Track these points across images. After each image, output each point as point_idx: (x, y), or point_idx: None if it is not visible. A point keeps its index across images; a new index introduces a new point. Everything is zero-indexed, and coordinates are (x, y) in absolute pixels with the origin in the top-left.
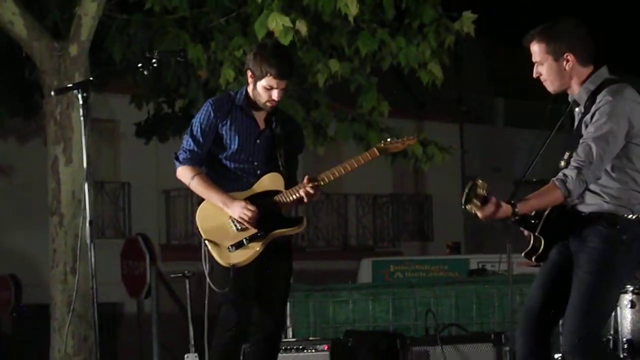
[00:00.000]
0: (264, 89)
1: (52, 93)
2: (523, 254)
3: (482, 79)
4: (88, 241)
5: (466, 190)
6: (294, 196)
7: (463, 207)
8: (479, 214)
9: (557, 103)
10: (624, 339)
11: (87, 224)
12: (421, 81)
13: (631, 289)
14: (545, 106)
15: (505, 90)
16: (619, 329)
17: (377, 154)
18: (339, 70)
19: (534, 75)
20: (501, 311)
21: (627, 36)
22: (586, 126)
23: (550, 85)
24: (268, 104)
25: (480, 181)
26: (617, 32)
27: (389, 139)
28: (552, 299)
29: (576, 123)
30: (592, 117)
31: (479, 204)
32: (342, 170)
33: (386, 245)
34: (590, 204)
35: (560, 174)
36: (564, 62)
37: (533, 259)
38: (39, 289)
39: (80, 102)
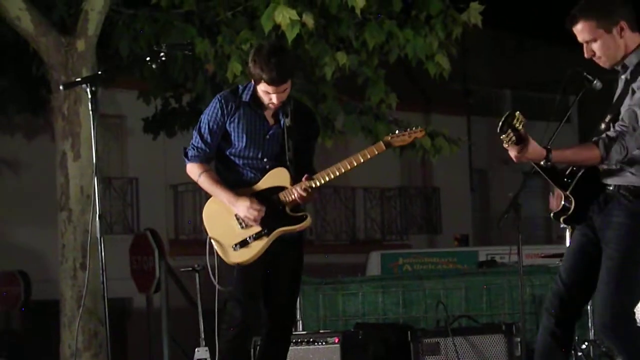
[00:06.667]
0: (263, 92)
1: (61, 87)
2: (552, 215)
3: (489, 71)
4: (98, 235)
5: (502, 118)
6: (291, 197)
7: (499, 133)
8: (511, 152)
9: (565, 94)
10: None
11: (97, 218)
12: (428, 74)
13: None
14: (554, 97)
15: (513, 81)
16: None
17: (384, 148)
18: (347, 63)
19: (586, 56)
20: (511, 302)
21: None
22: (633, 92)
23: (607, 61)
24: (270, 105)
25: (519, 112)
26: None
27: (396, 132)
28: (579, 282)
29: (621, 88)
30: None
31: (513, 138)
32: (348, 166)
33: (394, 239)
34: (616, 176)
35: (603, 135)
36: (619, 31)
37: (562, 219)
38: (48, 285)
39: (89, 96)
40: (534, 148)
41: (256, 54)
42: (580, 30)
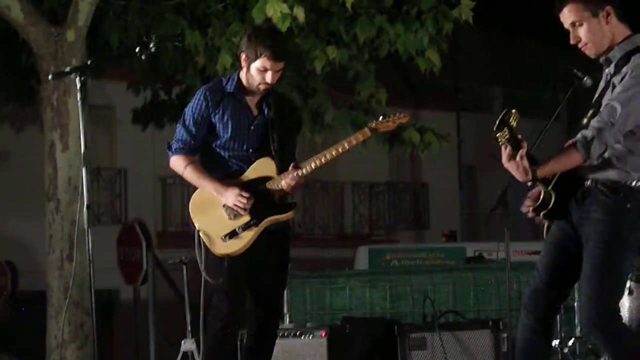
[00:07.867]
0: (257, 71)
1: (50, 77)
2: (531, 210)
3: (479, 68)
4: (85, 226)
5: (500, 116)
6: (279, 186)
7: (494, 132)
8: (503, 157)
9: (554, 91)
10: None
11: (85, 209)
12: (418, 69)
13: (629, 276)
14: (544, 95)
15: (502, 78)
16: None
17: (369, 134)
18: (337, 57)
19: (572, 42)
20: (498, 298)
21: None
22: (614, 86)
23: (593, 48)
24: (261, 86)
25: (514, 111)
26: None
27: (380, 118)
28: (557, 278)
29: (603, 83)
30: (622, 78)
31: (507, 135)
32: (334, 153)
33: (382, 234)
34: (595, 170)
35: (579, 136)
36: (605, 16)
37: (542, 214)
38: (35, 276)
39: (79, 86)
40: (523, 168)
41: (255, 32)
42: (567, 13)
